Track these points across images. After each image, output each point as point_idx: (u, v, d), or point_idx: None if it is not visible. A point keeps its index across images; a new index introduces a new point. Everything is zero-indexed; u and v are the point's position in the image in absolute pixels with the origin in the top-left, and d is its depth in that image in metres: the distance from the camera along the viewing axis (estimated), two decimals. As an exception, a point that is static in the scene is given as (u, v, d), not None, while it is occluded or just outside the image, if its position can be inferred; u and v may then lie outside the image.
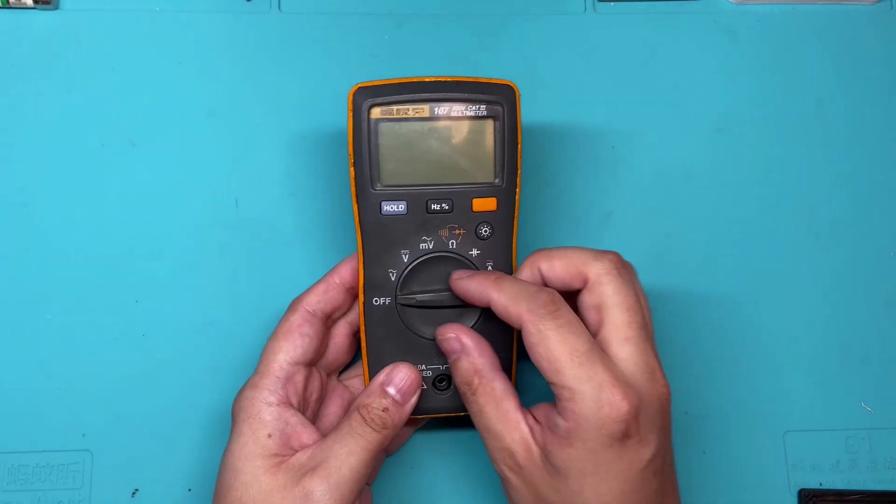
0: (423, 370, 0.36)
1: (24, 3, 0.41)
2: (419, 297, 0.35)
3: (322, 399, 0.37)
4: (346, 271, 0.36)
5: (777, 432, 0.40)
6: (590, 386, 0.30)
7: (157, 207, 0.40)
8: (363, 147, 0.34)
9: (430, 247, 0.35)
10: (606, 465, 0.31)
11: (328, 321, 0.36)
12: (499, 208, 0.35)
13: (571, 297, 0.34)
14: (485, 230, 0.35)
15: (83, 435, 0.38)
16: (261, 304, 0.39)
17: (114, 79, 0.41)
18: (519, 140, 0.35)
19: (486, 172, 0.35)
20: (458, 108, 0.35)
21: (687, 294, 0.41)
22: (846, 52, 0.44)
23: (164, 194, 0.40)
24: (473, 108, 0.35)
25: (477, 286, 0.34)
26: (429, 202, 0.35)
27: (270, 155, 0.41)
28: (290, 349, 0.35)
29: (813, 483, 0.40)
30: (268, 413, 0.34)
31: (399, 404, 0.34)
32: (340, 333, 0.37)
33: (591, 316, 0.33)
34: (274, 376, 0.34)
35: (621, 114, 0.43)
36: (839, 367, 0.41)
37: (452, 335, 0.34)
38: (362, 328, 0.36)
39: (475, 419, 0.34)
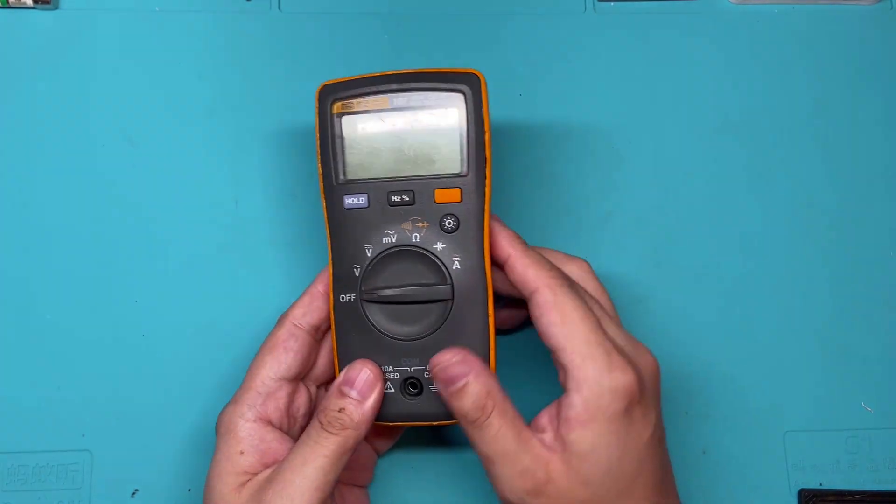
0: (390, 372, 0.34)
1: (24, 3, 0.41)
2: (382, 292, 0.34)
3: (310, 413, 0.36)
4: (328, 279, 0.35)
5: (777, 432, 0.40)
6: (600, 352, 0.31)
7: (156, 207, 0.40)
8: (327, 142, 0.34)
9: (394, 240, 0.34)
10: (623, 436, 0.31)
11: (316, 333, 0.35)
12: (463, 200, 0.34)
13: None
14: (449, 222, 0.34)
15: (83, 435, 0.38)
16: (261, 304, 0.39)
17: (113, 79, 0.41)
18: (486, 129, 0.34)
19: (448, 163, 0.34)
20: (417, 99, 0.34)
21: (687, 294, 0.41)
22: (846, 52, 0.44)
23: (163, 194, 0.40)
24: (433, 97, 0.34)
25: (506, 240, 0.34)
26: (389, 194, 0.34)
27: (270, 155, 0.41)
28: (273, 364, 0.34)
29: (813, 483, 0.40)
30: (243, 429, 0.33)
31: (357, 402, 0.33)
32: (330, 346, 0.36)
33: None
34: (255, 391, 0.34)
35: (621, 114, 0.43)
36: (839, 367, 0.41)
37: (459, 357, 0.32)
38: (332, 327, 0.35)
39: (486, 447, 0.31)
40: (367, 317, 0.34)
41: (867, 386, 0.41)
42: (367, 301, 0.34)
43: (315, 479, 0.31)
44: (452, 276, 0.34)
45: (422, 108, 0.34)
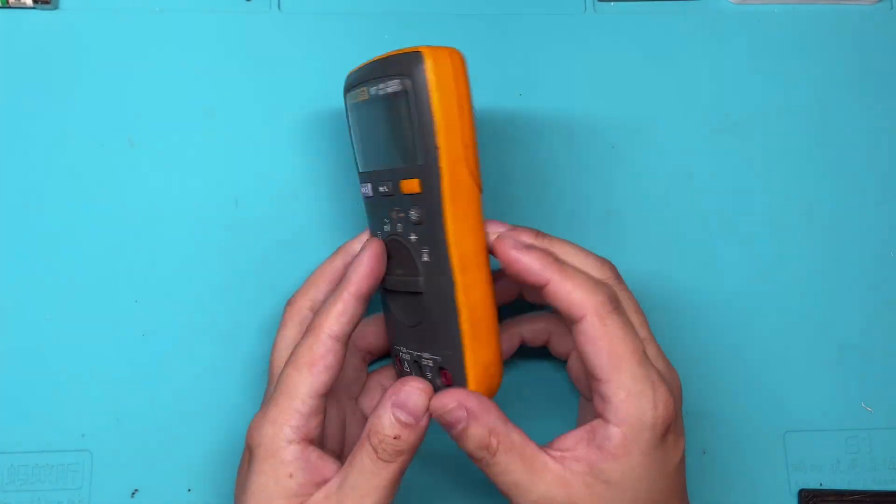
0: (404, 353, 0.35)
1: (24, 3, 0.41)
2: (385, 279, 0.34)
3: (344, 421, 0.35)
4: (359, 280, 0.33)
5: (777, 432, 0.40)
6: (646, 385, 0.30)
7: (156, 207, 0.40)
8: (348, 130, 0.36)
9: (388, 230, 0.34)
10: (656, 465, 0.30)
11: (348, 341, 0.33)
12: (424, 191, 0.32)
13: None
14: (414, 214, 0.32)
15: (83, 435, 0.38)
16: (261, 304, 0.39)
17: (113, 78, 0.41)
18: (435, 111, 0.31)
19: (406, 153, 0.32)
20: (375, 88, 0.32)
21: (687, 294, 0.41)
22: (846, 52, 0.44)
23: (163, 194, 0.40)
24: (384, 84, 0.32)
25: (539, 265, 0.31)
26: (378, 185, 0.34)
27: (270, 155, 0.41)
28: (312, 382, 0.31)
29: (813, 483, 0.40)
30: (289, 453, 0.31)
31: (411, 426, 0.31)
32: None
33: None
34: (295, 412, 0.31)
35: (621, 113, 0.43)
36: (839, 367, 0.41)
37: (454, 404, 0.31)
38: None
39: (498, 480, 0.31)
40: (384, 303, 0.36)
41: (867, 386, 0.41)
42: (383, 289, 0.35)
43: None
44: (421, 268, 0.33)
45: (379, 97, 0.32)
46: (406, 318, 0.34)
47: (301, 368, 0.32)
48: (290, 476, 0.31)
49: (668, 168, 0.42)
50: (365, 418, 0.36)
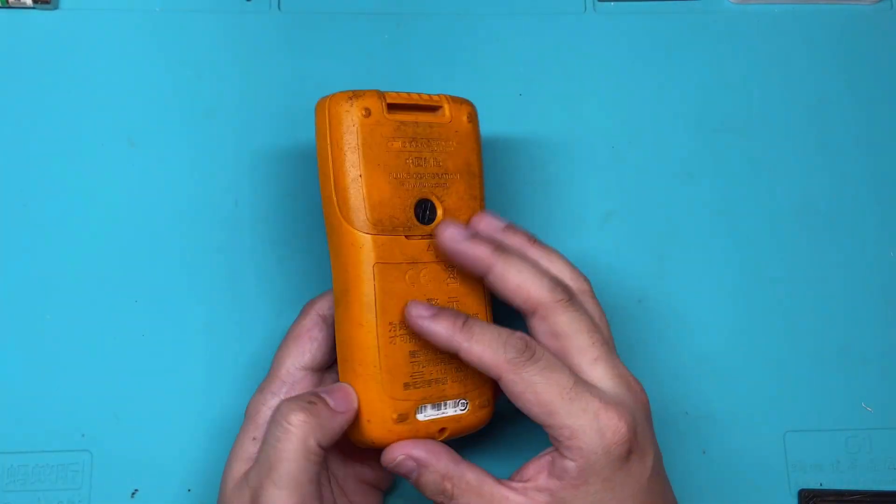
0: None
1: (24, 3, 0.41)
2: None
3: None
4: None
5: (777, 432, 0.40)
6: (587, 418, 0.30)
7: (156, 207, 0.40)
8: None
9: None
10: (620, 487, 0.30)
11: None
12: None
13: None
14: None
15: (83, 435, 0.38)
16: (261, 304, 0.39)
17: (113, 79, 0.41)
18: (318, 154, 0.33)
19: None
20: None
21: (687, 294, 0.41)
22: (846, 52, 0.44)
23: (163, 194, 0.40)
24: None
25: (445, 332, 0.31)
26: None
27: (270, 155, 0.41)
28: (297, 354, 0.34)
29: (813, 483, 0.40)
30: (263, 416, 0.33)
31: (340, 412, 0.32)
32: None
33: (549, 342, 0.32)
34: (279, 380, 0.34)
35: (621, 113, 0.43)
36: (839, 367, 0.41)
37: (402, 456, 0.32)
38: None
39: None
40: None
41: (867, 386, 0.41)
42: None
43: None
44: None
45: None
46: None
47: (288, 342, 0.34)
48: (254, 439, 0.32)
49: (668, 168, 0.42)
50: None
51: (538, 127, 0.42)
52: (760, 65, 0.44)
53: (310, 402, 0.31)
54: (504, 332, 0.31)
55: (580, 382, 0.31)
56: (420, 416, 0.33)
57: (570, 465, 0.30)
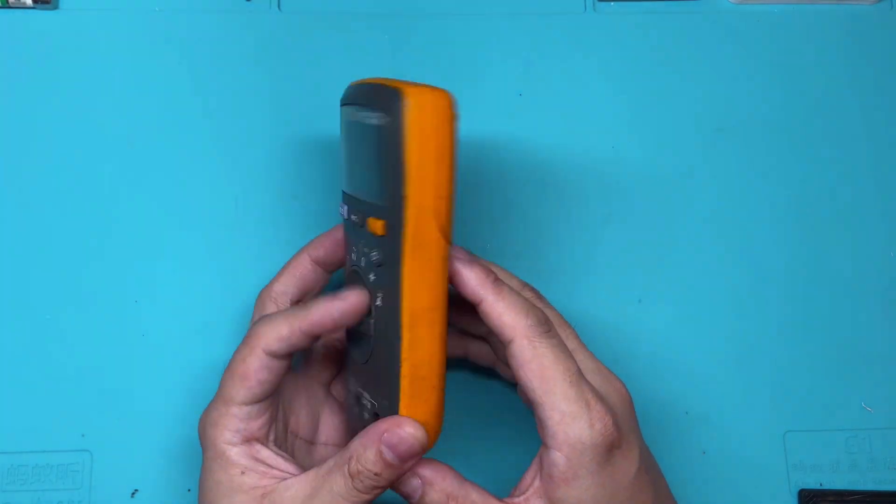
0: (350, 383, 0.34)
1: (24, 3, 0.41)
2: None
3: (316, 408, 0.36)
4: (312, 319, 0.31)
5: (777, 432, 0.40)
6: (579, 406, 0.30)
7: (156, 207, 0.40)
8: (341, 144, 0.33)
9: (354, 259, 0.32)
10: (609, 482, 0.31)
11: (290, 356, 0.32)
12: (388, 234, 0.29)
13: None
14: (375, 255, 0.30)
15: (83, 435, 0.38)
16: (261, 304, 0.39)
17: (113, 79, 0.41)
18: (407, 159, 0.28)
19: (377, 190, 0.30)
20: (361, 114, 0.30)
21: (686, 294, 0.41)
22: (846, 52, 0.44)
23: (163, 194, 0.40)
24: (367, 114, 0.30)
25: (475, 279, 0.31)
26: (350, 212, 0.32)
27: (270, 155, 0.41)
28: (246, 393, 0.31)
29: (813, 483, 0.40)
30: (234, 454, 0.31)
31: (394, 467, 0.30)
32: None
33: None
34: (233, 417, 0.31)
35: (621, 113, 0.43)
36: (839, 367, 0.41)
37: (408, 473, 0.31)
38: None
39: None
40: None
41: (867, 386, 0.41)
42: None
43: None
44: (374, 311, 0.31)
45: (363, 125, 0.30)
46: (356, 352, 0.33)
47: (235, 378, 0.31)
48: (243, 473, 0.31)
49: (668, 168, 0.42)
50: (337, 403, 0.36)
51: (538, 127, 0.42)
52: (760, 65, 0.44)
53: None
54: (528, 303, 0.31)
55: (581, 374, 0.31)
56: None
57: (557, 457, 0.30)
